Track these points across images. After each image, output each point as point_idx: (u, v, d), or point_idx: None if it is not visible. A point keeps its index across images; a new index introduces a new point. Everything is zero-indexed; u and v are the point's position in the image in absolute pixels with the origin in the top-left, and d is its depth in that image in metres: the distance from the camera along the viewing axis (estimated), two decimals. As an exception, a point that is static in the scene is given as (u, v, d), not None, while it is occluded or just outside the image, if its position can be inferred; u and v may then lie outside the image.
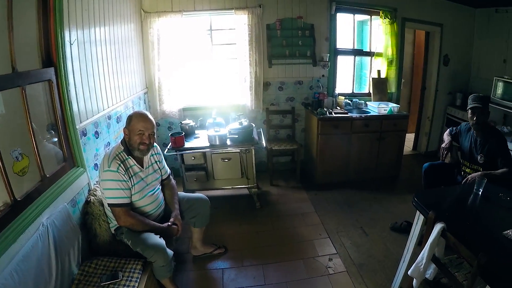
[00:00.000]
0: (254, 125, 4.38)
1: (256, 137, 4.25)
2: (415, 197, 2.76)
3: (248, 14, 4.73)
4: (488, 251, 1.98)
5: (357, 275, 3.26)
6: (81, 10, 2.84)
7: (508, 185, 3.13)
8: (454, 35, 6.15)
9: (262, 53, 4.99)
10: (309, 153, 5.41)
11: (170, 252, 2.57)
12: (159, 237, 2.59)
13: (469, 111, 3.51)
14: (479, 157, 3.54)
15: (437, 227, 2.25)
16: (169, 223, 2.79)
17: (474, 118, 3.46)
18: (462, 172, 3.79)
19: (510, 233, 2.24)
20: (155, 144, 2.90)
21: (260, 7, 4.79)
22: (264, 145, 4.34)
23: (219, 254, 3.51)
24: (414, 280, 2.46)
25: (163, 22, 4.61)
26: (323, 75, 5.43)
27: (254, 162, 4.31)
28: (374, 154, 5.23)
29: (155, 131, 2.74)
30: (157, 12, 4.58)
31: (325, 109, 4.92)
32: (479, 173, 3.38)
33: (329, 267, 3.37)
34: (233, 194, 4.80)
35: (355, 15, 5.65)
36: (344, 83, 5.91)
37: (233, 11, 4.73)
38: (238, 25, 4.81)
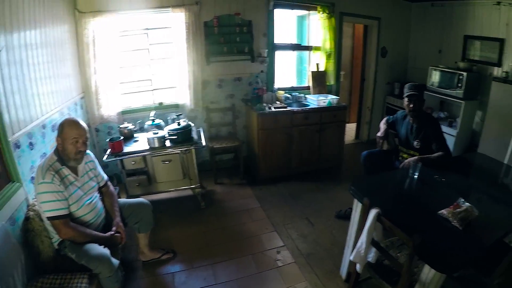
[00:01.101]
0: (193, 124, 4.47)
1: (195, 136, 4.31)
2: (352, 185, 2.94)
3: (185, 12, 4.72)
4: (424, 232, 2.17)
5: (306, 265, 3.46)
6: (9, 14, 2.73)
7: (443, 168, 3.41)
8: (391, 28, 6.59)
9: (200, 51, 5.00)
10: (251, 149, 5.52)
11: (115, 261, 2.57)
12: (103, 247, 2.58)
13: (406, 98, 3.71)
14: (415, 143, 3.76)
15: (372, 213, 2.39)
16: (112, 232, 2.79)
17: (411, 105, 3.66)
18: (400, 158, 4.00)
19: (444, 212, 2.45)
20: (87, 151, 2.86)
21: (197, 4, 4.80)
22: (204, 144, 4.39)
23: (168, 258, 3.54)
24: (357, 265, 2.62)
25: (99, 22, 4.46)
26: (262, 71, 5.57)
27: (195, 162, 4.37)
28: (315, 146, 5.45)
29: (88, 136, 2.71)
30: (92, 12, 4.41)
31: (265, 105, 5.06)
32: (415, 157, 3.58)
33: (278, 260, 3.52)
34: (177, 196, 4.80)
35: (294, 10, 5.81)
36: (285, 78, 6.09)
37: (170, 9, 4.70)
38: (175, 24, 4.79)
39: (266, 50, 5.38)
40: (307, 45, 6.09)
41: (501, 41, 5.46)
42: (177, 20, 4.78)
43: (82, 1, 4.44)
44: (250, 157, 5.62)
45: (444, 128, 5.64)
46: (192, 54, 4.90)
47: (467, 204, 2.49)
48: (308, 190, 5.02)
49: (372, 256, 2.55)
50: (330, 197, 4.76)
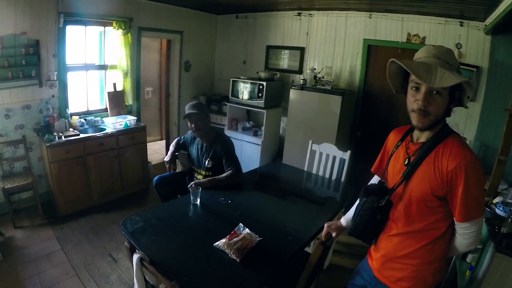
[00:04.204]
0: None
1: None
2: (122, 226, 2.72)
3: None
4: (197, 271, 2.20)
5: (111, 308, 3.45)
6: None
7: (235, 186, 3.63)
8: (195, 41, 7.07)
9: (-17, 77, 4.59)
10: (49, 183, 5.23)
11: None
12: None
13: (187, 119, 3.84)
14: (206, 162, 3.89)
15: (135, 258, 2.23)
16: None
17: (192, 125, 3.82)
18: (195, 179, 4.07)
19: (220, 244, 2.41)
20: None
21: (-20, 24, 4.37)
22: None
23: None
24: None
25: None
26: (52, 96, 5.31)
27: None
28: (116, 173, 5.53)
29: None
30: None
31: (55, 134, 4.89)
32: (200, 180, 3.69)
33: (79, 309, 3.42)
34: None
35: (87, 27, 5.71)
36: (83, 101, 5.95)
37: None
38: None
39: (56, 72, 5.19)
40: (103, 63, 6.06)
41: (302, 50, 6.34)
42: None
43: None
44: (50, 192, 5.31)
45: (250, 138, 6.33)
46: (-27, 82, 4.47)
47: (246, 230, 2.51)
48: (113, 222, 4.99)
49: None
50: (135, 225, 4.78)
